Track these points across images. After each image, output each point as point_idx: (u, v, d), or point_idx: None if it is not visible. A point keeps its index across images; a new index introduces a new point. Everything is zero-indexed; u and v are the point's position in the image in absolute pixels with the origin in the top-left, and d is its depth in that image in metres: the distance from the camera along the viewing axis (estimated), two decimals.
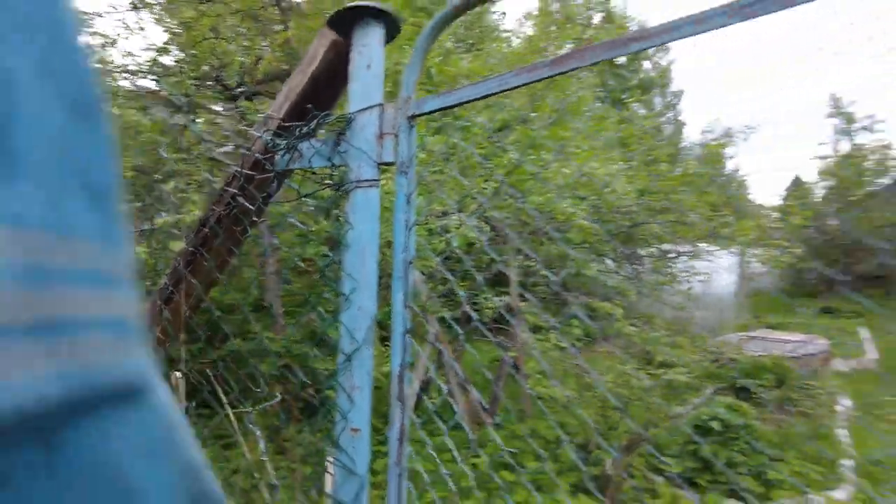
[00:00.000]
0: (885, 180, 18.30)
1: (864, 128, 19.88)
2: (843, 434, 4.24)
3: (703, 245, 5.58)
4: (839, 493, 3.23)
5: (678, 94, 24.04)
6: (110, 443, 0.16)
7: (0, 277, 0.13)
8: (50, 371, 0.14)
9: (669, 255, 5.50)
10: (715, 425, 3.51)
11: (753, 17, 0.67)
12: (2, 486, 0.13)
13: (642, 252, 5.33)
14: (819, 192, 20.63)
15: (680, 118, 25.99)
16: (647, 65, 21.81)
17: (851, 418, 4.64)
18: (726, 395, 4.12)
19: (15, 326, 0.13)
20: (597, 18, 17.07)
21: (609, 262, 4.82)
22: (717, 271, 6.86)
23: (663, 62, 22.91)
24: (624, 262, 5.06)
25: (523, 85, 0.92)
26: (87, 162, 0.17)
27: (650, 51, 22.27)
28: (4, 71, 0.14)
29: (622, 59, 20.17)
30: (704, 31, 0.72)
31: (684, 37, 0.73)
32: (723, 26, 0.70)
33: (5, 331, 0.13)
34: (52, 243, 0.15)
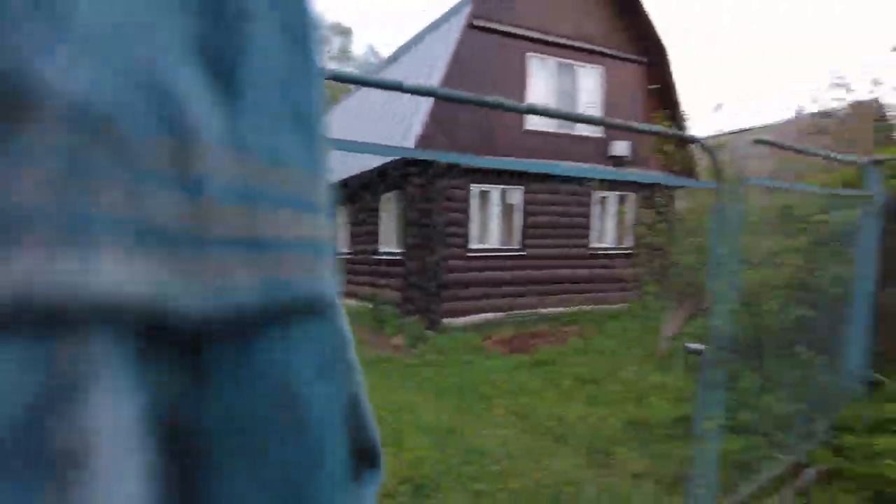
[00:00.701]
0: None
1: None
2: None
3: None
4: None
5: None
6: (292, 355, 0.17)
7: (220, 194, 0.14)
8: (251, 280, 0.15)
9: None
10: None
11: None
12: (202, 381, 0.14)
13: None
14: None
15: None
16: None
17: None
18: None
19: (227, 239, 0.14)
20: None
21: None
22: None
23: None
24: None
25: None
26: (299, 91, 0.18)
27: None
28: (242, 9, 0.15)
29: None
30: None
31: None
32: None
33: (218, 242, 0.14)
34: (266, 166, 0.16)
